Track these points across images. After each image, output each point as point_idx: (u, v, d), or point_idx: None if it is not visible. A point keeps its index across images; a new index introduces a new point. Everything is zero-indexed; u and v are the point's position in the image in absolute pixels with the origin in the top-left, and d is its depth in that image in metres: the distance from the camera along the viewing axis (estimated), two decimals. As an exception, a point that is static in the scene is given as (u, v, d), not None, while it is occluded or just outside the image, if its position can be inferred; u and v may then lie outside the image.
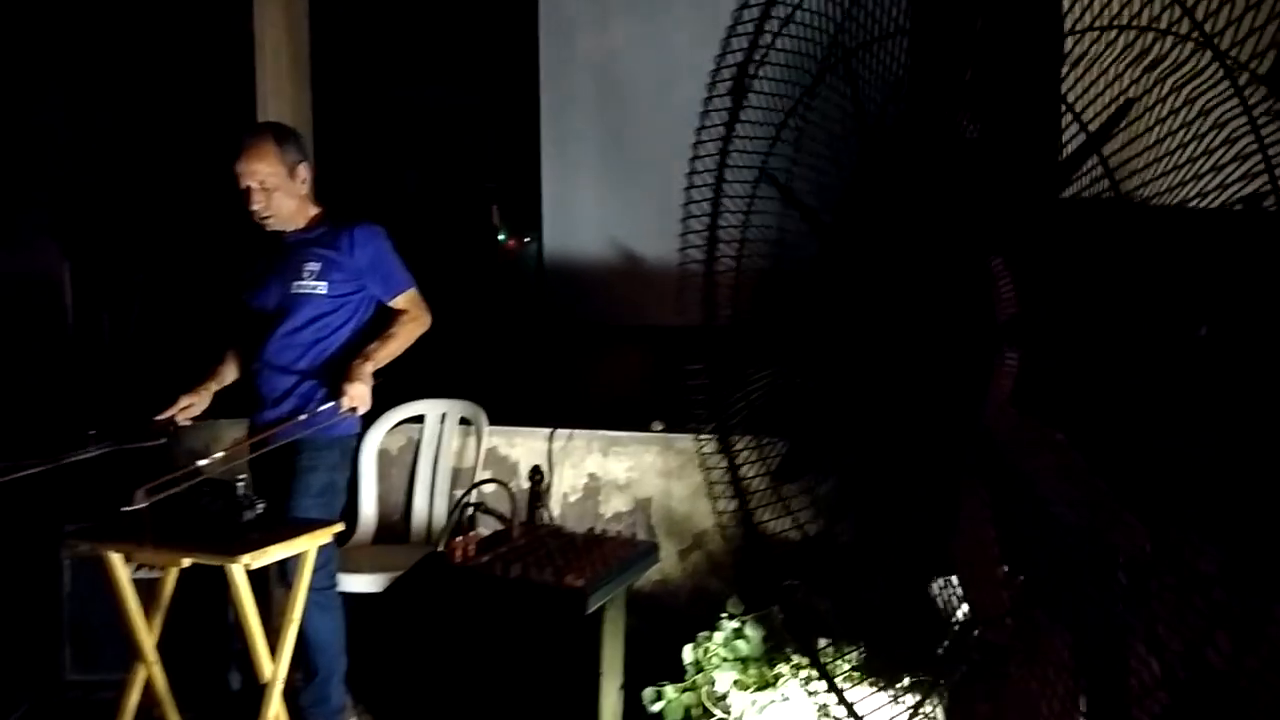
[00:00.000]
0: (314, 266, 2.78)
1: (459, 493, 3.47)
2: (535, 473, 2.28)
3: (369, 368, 2.65)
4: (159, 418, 2.69)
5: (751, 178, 2.42)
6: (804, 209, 2.17)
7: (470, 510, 2.04)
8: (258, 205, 2.76)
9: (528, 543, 2.12)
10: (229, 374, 2.91)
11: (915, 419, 1.91)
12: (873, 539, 2.20)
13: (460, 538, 1.99)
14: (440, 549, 2.09)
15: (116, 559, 2.50)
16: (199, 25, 4.05)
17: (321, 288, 2.77)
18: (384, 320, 2.85)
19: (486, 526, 2.32)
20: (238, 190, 2.77)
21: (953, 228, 1.76)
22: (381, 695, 3.09)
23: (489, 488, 3.00)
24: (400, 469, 3.54)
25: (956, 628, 2.05)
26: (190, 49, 4.05)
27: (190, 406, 2.76)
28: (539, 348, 3.95)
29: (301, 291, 2.77)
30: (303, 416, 2.60)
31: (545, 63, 3.98)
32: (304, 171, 2.80)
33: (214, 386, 2.85)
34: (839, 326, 2.14)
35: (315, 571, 2.63)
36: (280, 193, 2.76)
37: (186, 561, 2.45)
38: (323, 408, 2.60)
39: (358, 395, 2.58)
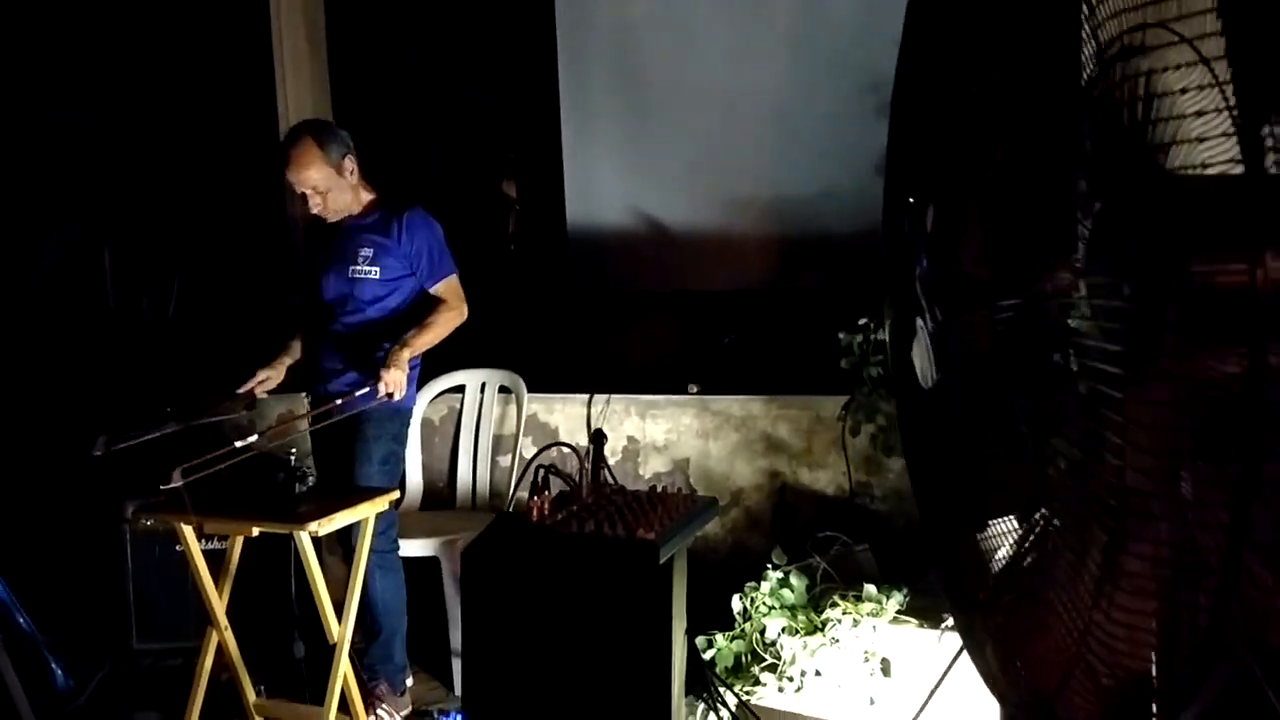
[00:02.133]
0: (368, 252, 2.90)
1: (501, 458, 3.57)
2: (599, 435, 2.39)
3: (405, 355, 2.73)
4: (239, 390, 2.80)
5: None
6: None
7: (542, 471, 2.14)
8: (316, 208, 2.89)
9: (595, 501, 2.21)
10: (298, 350, 3.01)
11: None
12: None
13: (536, 498, 2.08)
14: (510, 510, 2.19)
15: (188, 530, 2.59)
16: (217, 7, 4.08)
17: (375, 273, 2.90)
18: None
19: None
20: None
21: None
22: (436, 654, 3.20)
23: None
24: (443, 437, 3.63)
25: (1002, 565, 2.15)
26: (209, 31, 4.07)
27: (266, 380, 2.86)
28: (571, 316, 4.02)
29: (357, 276, 2.90)
30: (338, 401, 2.68)
31: (562, 31, 4.01)
32: (350, 163, 2.89)
33: (287, 361, 2.95)
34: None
35: (378, 535, 2.76)
36: (334, 191, 2.87)
37: (255, 530, 2.54)
38: (359, 393, 2.68)
39: (393, 381, 2.67)
